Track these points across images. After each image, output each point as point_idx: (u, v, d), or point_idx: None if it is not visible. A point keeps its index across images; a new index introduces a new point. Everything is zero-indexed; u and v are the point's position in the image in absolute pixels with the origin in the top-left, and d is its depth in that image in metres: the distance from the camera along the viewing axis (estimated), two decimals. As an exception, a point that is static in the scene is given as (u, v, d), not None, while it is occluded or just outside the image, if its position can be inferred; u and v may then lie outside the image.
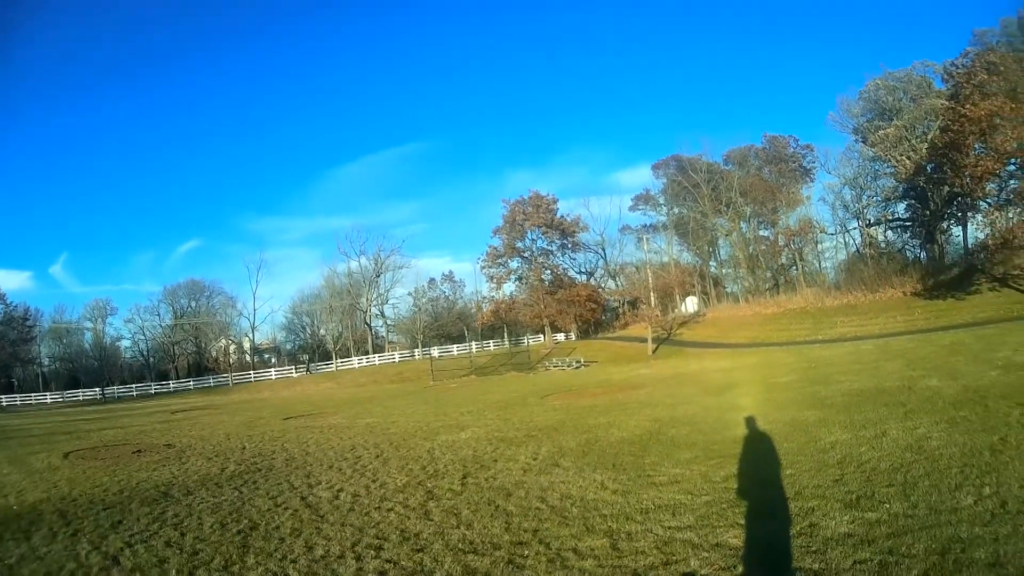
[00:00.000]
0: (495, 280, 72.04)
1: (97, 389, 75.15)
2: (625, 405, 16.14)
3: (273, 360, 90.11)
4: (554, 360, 46.36)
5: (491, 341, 73.29)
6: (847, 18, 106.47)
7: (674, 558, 4.99)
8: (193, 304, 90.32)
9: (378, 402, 28.51)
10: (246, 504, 8.71)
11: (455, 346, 71.94)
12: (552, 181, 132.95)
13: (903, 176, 49.76)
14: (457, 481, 8.99)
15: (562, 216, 68.61)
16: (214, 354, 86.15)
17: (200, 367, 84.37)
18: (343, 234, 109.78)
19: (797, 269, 65.07)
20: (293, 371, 73.21)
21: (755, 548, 5.01)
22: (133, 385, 77.14)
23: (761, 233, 69.53)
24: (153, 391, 72.79)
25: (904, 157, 49.20)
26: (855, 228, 63.39)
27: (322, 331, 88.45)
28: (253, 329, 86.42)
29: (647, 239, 67.60)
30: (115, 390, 74.93)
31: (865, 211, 60.73)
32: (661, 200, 75.16)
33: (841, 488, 6.11)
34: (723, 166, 68.76)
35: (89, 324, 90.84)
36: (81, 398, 71.87)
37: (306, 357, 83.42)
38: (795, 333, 38.99)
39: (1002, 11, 48.36)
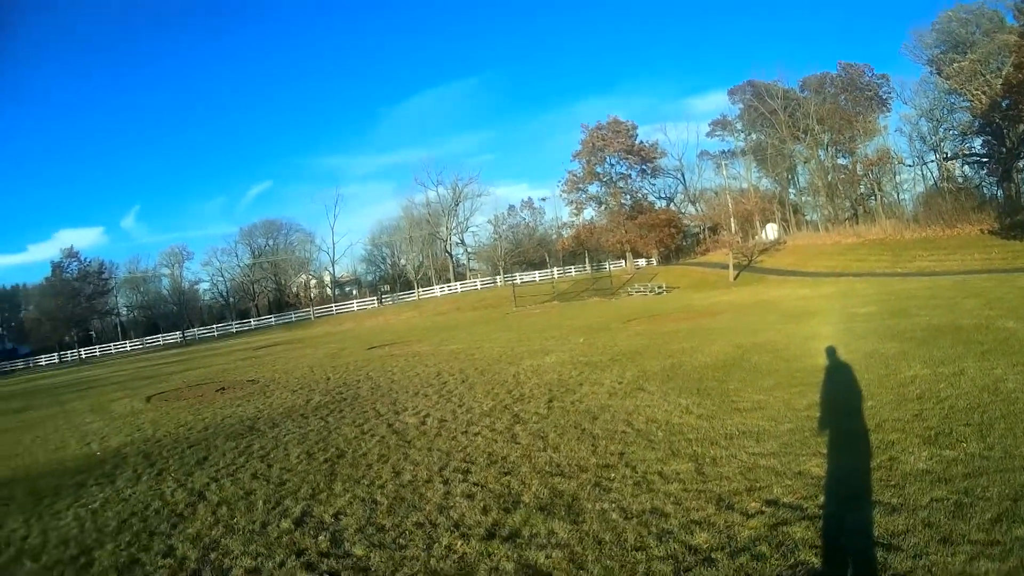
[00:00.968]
0: (575, 205, 71.07)
1: (178, 333, 73.98)
2: (707, 331, 15.94)
3: (354, 292, 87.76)
4: (635, 285, 45.89)
5: (572, 267, 72.10)
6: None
7: (757, 484, 4.94)
8: (271, 243, 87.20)
9: (461, 329, 28.68)
10: (332, 433, 8.71)
11: (536, 272, 71.01)
12: (626, 108, 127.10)
13: (978, 111, 45.65)
14: (543, 405, 8.92)
15: (641, 141, 66.42)
16: (294, 290, 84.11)
17: (281, 303, 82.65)
18: (418, 166, 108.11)
19: (875, 200, 61.43)
20: (374, 302, 71.64)
21: (836, 478, 4.92)
22: (214, 326, 75.55)
23: (839, 161, 65.44)
24: (234, 330, 71.86)
25: (979, 92, 45.08)
26: (932, 161, 58.94)
27: (402, 261, 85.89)
28: (333, 263, 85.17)
29: (725, 165, 64.53)
30: (195, 332, 73.98)
31: (942, 144, 56.32)
32: (738, 126, 71.47)
33: (920, 423, 5.92)
34: (799, 92, 64.51)
35: (166, 271, 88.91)
36: (161, 343, 70.94)
37: (387, 287, 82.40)
38: (874, 264, 37.19)
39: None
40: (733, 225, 51.89)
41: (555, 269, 70.61)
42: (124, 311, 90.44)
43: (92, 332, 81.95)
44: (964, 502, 4.15)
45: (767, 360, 10.45)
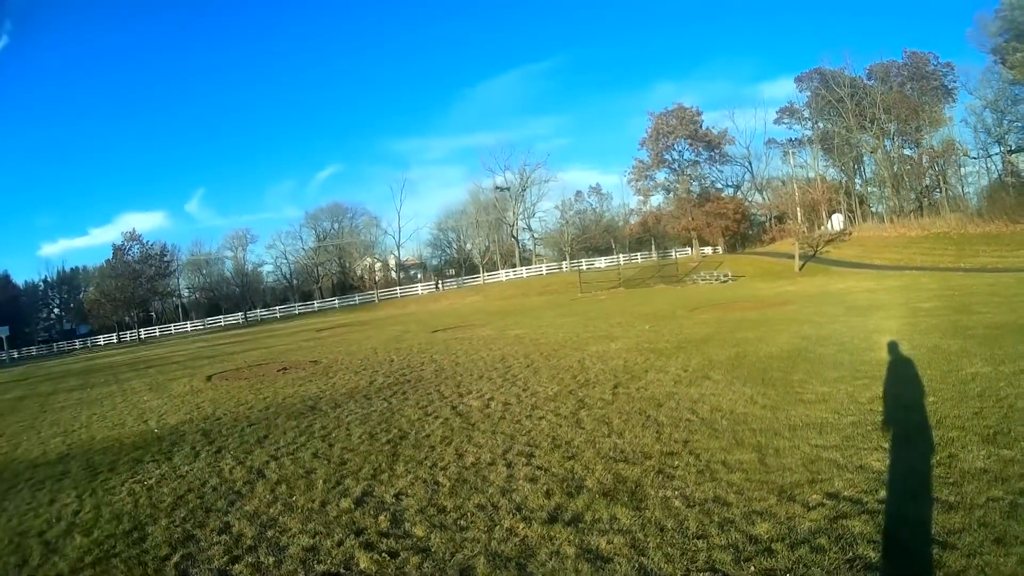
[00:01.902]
0: (642, 192, 70.13)
1: (239, 314, 72.87)
2: (773, 321, 15.62)
3: (419, 276, 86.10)
4: (701, 273, 44.97)
5: (638, 253, 71.09)
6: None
7: (819, 477, 4.82)
8: (336, 226, 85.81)
9: (526, 314, 28.34)
10: (395, 414, 8.49)
11: (603, 258, 70.16)
12: (696, 93, 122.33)
13: (1042, 103, 42.00)
14: (608, 391, 8.73)
15: (707, 128, 64.92)
16: (359, 272, 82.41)
17: (344, 286, 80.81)
18: (487, 150, 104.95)
19: (940, 192, 58.18)
20: (437, 286, 70.72)
21: (897, 473, 4.79)
22: (276, 307, 74.23)
23: (905, 152, 62.24)
24: (297, 311, 70.34)
25: (1044, 83, 41.56)
26: (997, 154, 55.26)
27: (468, 245, 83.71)
28: (399, 246, 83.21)
29: (792, 153, 62.38)
30: (258, 313, 72.66)
31: (1006, 137, 52.76)
32: (806, 114, 68.71)
33: (979, 421, 5.72)
34: (866, 80, 61.66)
35: (229, 253, 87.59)
36: (223, 323, 69.86)
37: (452, 271, 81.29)
38: (938, 258, 35.37)
39: None
40: (799, 215, 50.31)
41: (621, 255, 69.66)
42: (186, 293, 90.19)
43: (152, 313, 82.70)
44: (1020, 503, 4.04)
45: (831, 352, 10.14)
